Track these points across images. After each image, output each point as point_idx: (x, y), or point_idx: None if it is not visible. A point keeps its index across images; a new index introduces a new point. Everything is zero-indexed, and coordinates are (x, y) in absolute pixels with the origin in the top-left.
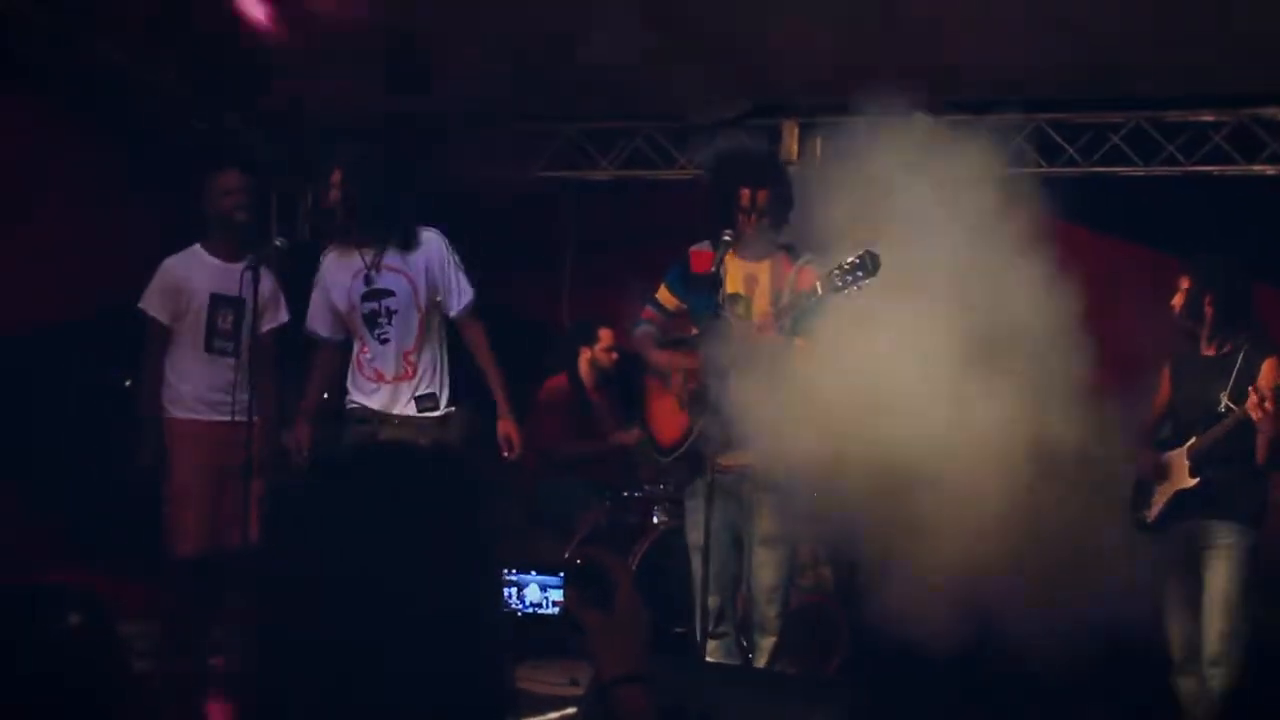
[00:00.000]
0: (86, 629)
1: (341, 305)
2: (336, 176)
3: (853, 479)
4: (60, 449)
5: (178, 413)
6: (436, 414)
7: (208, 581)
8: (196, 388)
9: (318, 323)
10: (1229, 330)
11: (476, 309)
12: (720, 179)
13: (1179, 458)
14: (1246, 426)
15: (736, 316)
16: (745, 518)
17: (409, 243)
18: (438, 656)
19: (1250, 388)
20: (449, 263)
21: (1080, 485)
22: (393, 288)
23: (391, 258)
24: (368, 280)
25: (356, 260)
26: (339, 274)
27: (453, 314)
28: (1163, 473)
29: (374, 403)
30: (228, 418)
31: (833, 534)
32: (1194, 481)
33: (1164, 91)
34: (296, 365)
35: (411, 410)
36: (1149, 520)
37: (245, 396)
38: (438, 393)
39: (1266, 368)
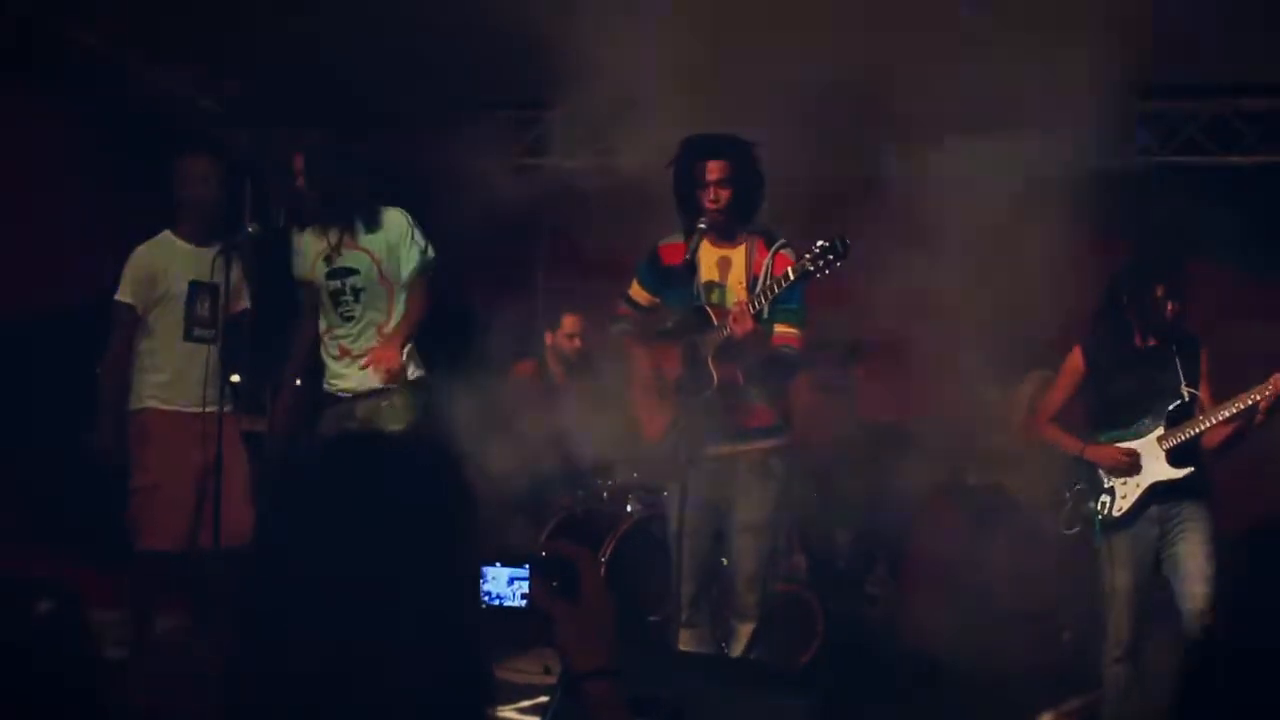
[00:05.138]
0: (57, 616)
1: (307, 283)
2: (299, 163)
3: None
4: (34, 439)
5: (153, 403)
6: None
7: (178, 577)
8: (175, 377)
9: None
10: (1177, 326)
11: (428, 267)
12: (681, 155)
13: (1148, 447)
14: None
15: (711, 304)
16: (728, 506)
17: (371, 222)
18: (419, 647)
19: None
20: (408, 238)
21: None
22: (356, 265)
23: (355, 237)
24: (328, 260)
25: (323, 241)
26: (306, 254)
27: (408, 271)
28: (1129, 464)
29: (342, 380)
30: (206, 409)
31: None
32: (1182, 472)
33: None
34: (264, 352)
35: (376, 381)
36: (1117, 514)
37: (221, 385)
38: (404, 365)
39: (1205, 357)
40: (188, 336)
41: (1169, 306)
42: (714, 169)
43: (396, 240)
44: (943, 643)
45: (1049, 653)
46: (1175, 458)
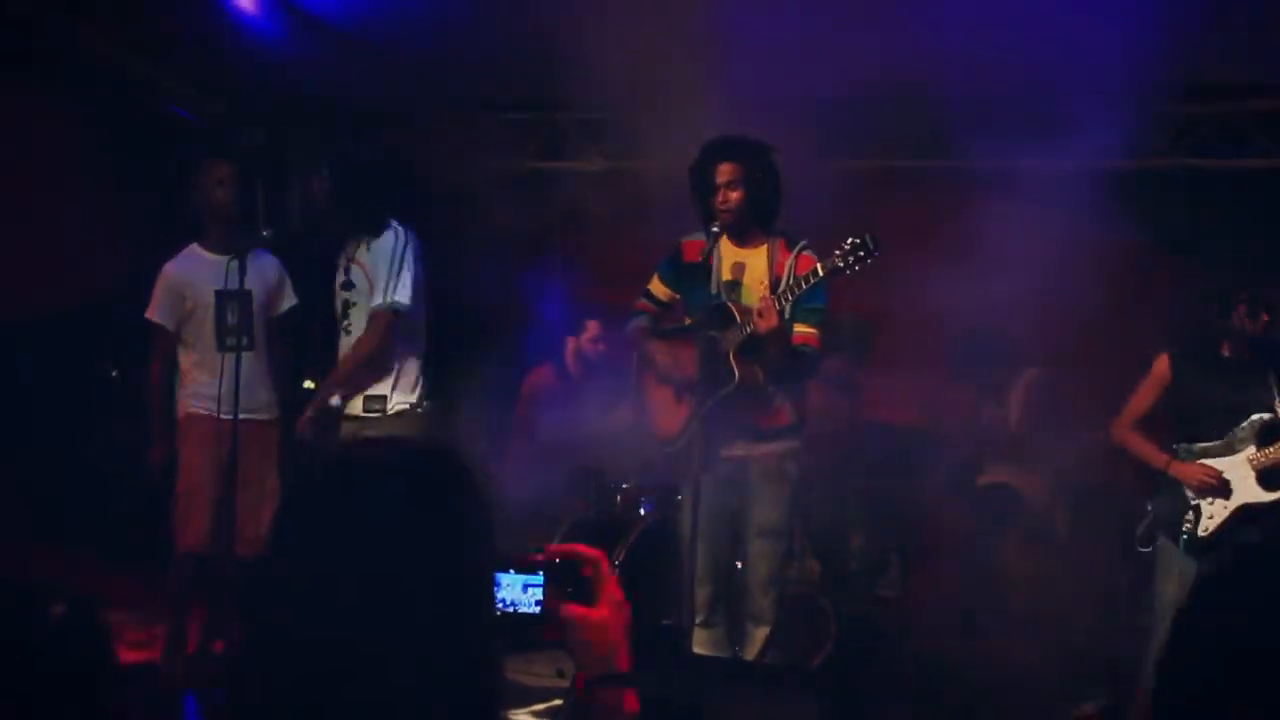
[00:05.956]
0: (70, 620)
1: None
2: (321, 175)
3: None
4: (47, 438)
5: (192, 408)
6: (379, 415)
7: (209, 578)
8: (211, 386)
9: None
10: (1269, 339)
11: (394, 310)
12: (698, 158)
13: (1238, 466)
14: None
15: (732, 303)
16: (743, 508)
17: (376, 236)
18: (431, 651)
19: None
20: (395, 256)
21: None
22: (355, 280)
23: (360, 252)
24: (344, 272)
25: (341, 253)
26: (338, 266)
27: (373, 305)
28: (1216, 487)
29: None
30: (243, 414)
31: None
32: (1272, 496)
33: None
34: (305, 353)
35: (359, 409)
36: (1203, 534)
37: (262, 391)
38: (388, 394)
39: None
40: (220, 347)
41: (1262, 318)
42: (725, 171)
43: (385, 260)
44: (955, 645)
45: (1062, 655)
46: (1266, 479)
